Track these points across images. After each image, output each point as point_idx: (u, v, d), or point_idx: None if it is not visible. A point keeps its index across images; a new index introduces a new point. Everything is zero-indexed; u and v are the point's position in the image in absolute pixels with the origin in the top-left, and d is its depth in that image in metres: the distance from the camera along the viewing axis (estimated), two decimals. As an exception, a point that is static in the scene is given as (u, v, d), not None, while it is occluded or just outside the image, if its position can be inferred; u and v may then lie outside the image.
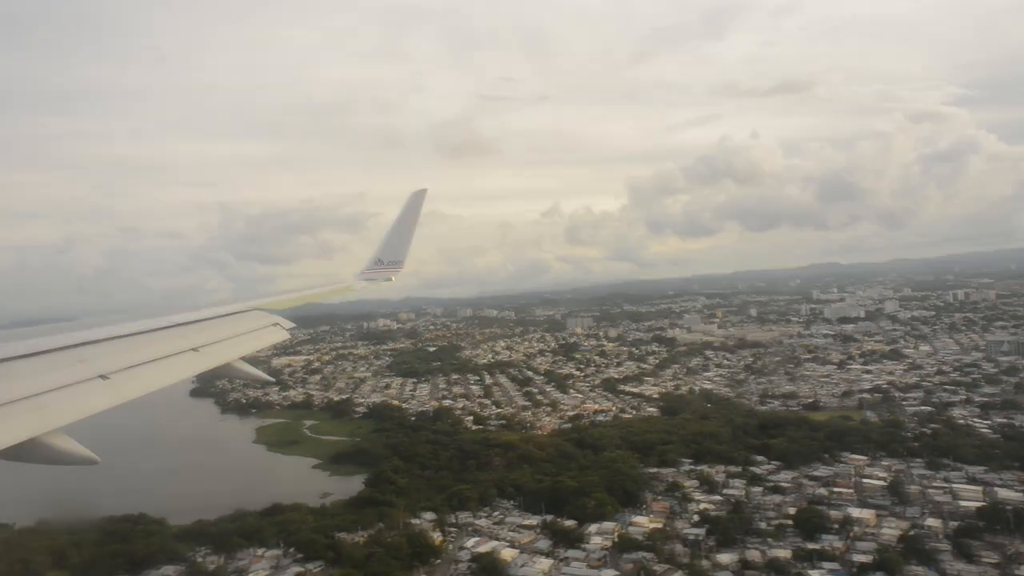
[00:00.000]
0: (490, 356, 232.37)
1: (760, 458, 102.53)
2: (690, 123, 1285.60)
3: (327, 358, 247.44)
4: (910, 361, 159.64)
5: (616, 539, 77.85)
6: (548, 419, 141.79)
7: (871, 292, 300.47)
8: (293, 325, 14.15)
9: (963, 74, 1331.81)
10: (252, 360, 12.10)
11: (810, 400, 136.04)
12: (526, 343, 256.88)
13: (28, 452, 6.62)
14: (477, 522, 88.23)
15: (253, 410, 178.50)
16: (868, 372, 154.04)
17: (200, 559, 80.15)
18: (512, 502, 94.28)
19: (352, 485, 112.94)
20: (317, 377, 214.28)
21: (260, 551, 79.56)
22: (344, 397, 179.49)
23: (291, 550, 79.05)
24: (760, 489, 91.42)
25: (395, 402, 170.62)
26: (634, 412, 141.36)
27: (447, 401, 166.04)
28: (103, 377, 8.05)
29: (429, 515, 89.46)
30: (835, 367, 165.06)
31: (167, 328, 10.71)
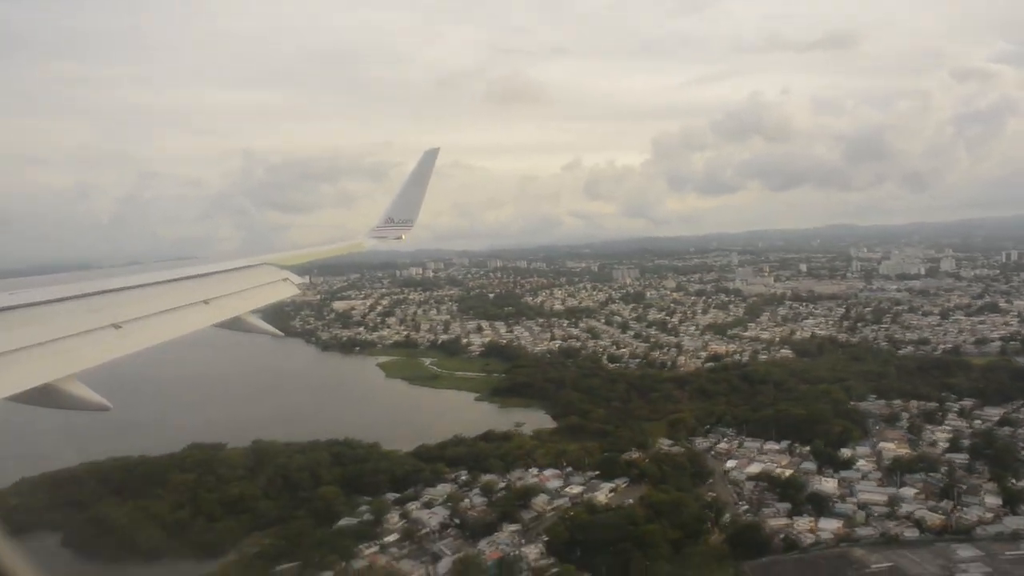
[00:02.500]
0: (559, 303, 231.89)
1: (950, 395, 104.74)
2: (717, 77, 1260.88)
3: (384, 303, 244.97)
4: (1015, 313, 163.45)
5: (889, 461, 79.34)
6: (683, 359, 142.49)
7: (913, 251, 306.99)
8: (303, 280, 14.37)
9: (1015, 27, 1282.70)
10: (268, 315, 12.12)
11: (948, 346, 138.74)
12: (583, 292, 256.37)
13: (42, 397, 6.70)
14: (719, 447, 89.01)
15: (356, 348, 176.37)
16: (981, 323, 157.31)
17: (464, 479, 79.60)
18: (731, 429, 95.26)
19: (530, 415, 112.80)
20: (393, 319, 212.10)
21: (534, 471, 79.21)
22: (451, 337, 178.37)
23: (569, 469, 78.98)
24: (979, 422, 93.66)
25: (503, 341, 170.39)
26: (768, 355, 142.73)
27: (556, 343, 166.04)
28: (116, 326, 8.15)
29: (666, 440, 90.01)
30: (939, 317, 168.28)
31: (178, 280, 10.83)
